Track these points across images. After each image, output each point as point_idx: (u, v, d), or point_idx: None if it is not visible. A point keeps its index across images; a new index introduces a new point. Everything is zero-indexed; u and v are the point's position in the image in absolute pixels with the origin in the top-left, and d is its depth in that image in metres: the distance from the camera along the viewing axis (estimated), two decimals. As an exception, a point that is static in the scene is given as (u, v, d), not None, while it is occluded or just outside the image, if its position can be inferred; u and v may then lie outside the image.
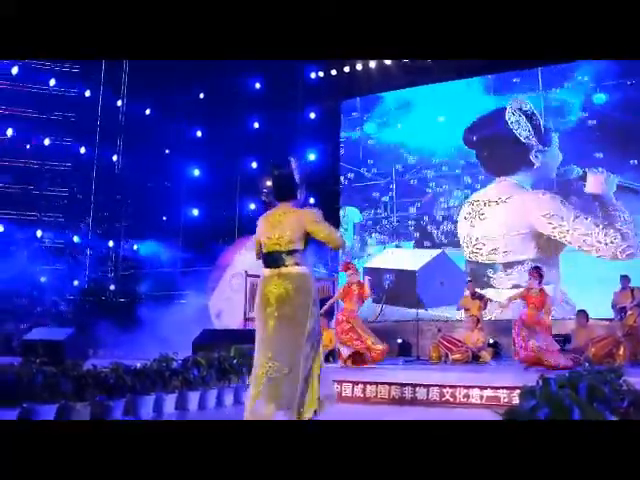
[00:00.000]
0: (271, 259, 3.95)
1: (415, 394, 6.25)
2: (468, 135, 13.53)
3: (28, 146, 16.02)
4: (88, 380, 4.96)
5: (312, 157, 15.00)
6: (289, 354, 3.75)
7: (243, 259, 12.39)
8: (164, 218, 16.79)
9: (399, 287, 13.57)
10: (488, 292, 12.09)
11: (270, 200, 4.13)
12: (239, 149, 15.27)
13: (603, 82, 12.41)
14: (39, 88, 16.35)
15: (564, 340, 10.34)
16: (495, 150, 13.24)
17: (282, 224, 3.93)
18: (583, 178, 12.17)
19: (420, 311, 11.85)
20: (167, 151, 16.66)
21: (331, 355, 9.77)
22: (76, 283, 16.60)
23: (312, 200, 11.18)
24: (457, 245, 13.41)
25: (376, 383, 6.49)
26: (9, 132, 15.69)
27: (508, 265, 12.51)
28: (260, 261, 4.10)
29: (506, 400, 5.77)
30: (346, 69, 14.99)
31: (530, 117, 12.81)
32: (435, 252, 13.60)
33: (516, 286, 11.65)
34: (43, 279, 15.72)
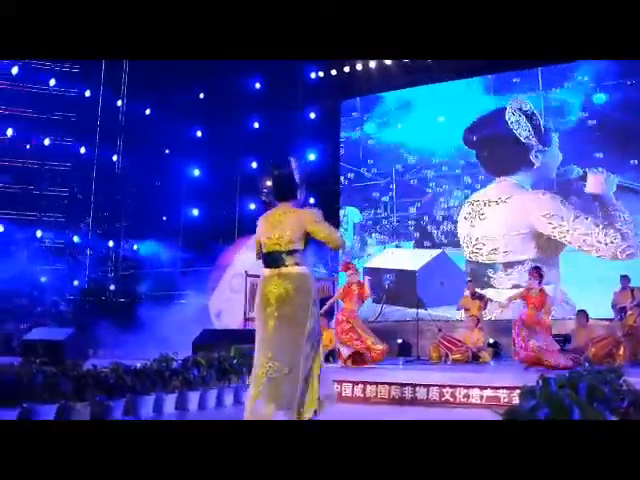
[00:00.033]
0: (271, 259, 3.95)
1: (415, 394, 6.25)
2: (468, 135, 13.52)
3: (28, 146, 16.02)
4: (88, 380, 4.96)
5: (312, 157, 15.00)
6: (289, 354, 3.75)
7: (243, 259, 12.38)
8: (164, 218, 16.79)
9: (399, 287, 13.57)
10: (488, 292, 12.09)
11: (270, 200, 4.13)
12: (239, 149, 15.27)
13: (603, 82, 12.41)
14: (39, 88, 16.36)
15: (564, 340, 10.34)
16: (495, 150, 13.24)
17: (282, 224, 3.93)
18: (583, 178, 12.17)
19: (420, 311, 11.85)
20: (167, 151, 16.66)
21: (331, 355, 9.77)
22: (76, 283, 16.60)
23: (312, 200, 11.18)
24: (457, 245, 13.41)
25: (376, 383, 6.49)
26: (9, 132, 15.69)
27: (508, 265, 12.51)
28: (260, 261, 4.10)
29: (506, 400, 5.77)
30: (346, 69, 14.98)
31: (530, 117, 12.80)
32: (435, 252, 13.61)
33: (516, 286, 11.65)
34: (43, 279, 15.73)
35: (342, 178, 15.16)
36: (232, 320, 11.92)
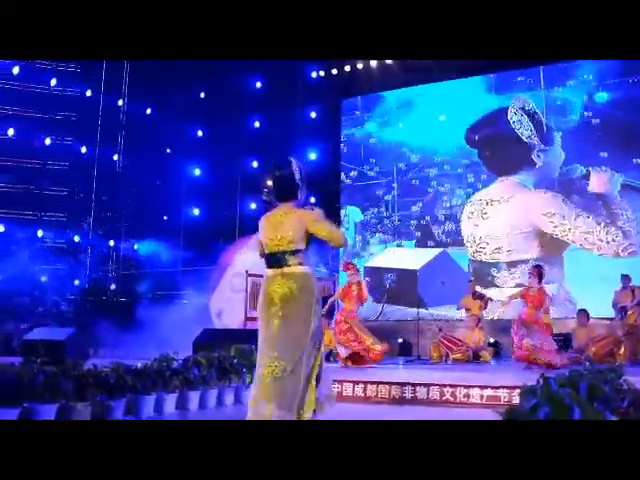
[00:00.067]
0: (274, 259, 3.96)
1: (415, 393, 6.26)
2: (470, 134, 13.52)
3: (29, 146, 16.02)
4: (89, 380, 4.96)
5: (313, 156, 15.00)
6: (293, 353, 3.75)
7: (244, 259, 12.37)
8: (165, 218, 16.81)
9: (400, 286, 13.58)
10: (492, 291, 12.10)
11: (271, 199, 4.13)
12: (240, 148, 15.26)
13: (605, 80, 12.39)
14: (40, 88, 16.37)
15: (564, 339, 10.35)
16: (497, 150, 13.23)
17: (283, 225, 3.93)
18: (586, 177, 12.15)
19: (421, 310, 11.85)
20: (168, 150, 16.68)
21: (331, 355, 9.77)
22: (77, 283, 16.61)
23: (313, 199, 11.17)
24: (459, 244, 13.40)
25: (376, 383, 6.50)
26: (10, 132, 15.71)
27: (512, 264, 12.50)
28: (262, 260, 4.11)
29: (506, 399, 5.78)
30: (347, 68, 14.98)
31: (532, 116, 12.80)
32: (436, 251, 13.60)
33: (520, 285, 11.63)
34: (44, 279, 15.75)
35: (343, 177, 15.16)
36: (233, 320, 11.91)
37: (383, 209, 14.57)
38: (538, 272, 8.97)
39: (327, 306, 9.50)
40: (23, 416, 4.39)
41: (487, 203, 13.05)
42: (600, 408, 2.71)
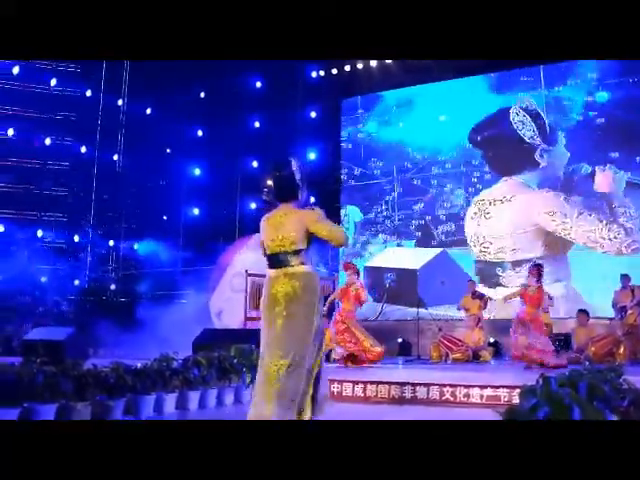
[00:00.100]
0: (276, 260, 3.97)
1: (415, 393, 6.26)
2: (473, 135, 13.51)
3: (29, 146, 16.01)
4: (88, 380, 4.96)
5: (313, 156, 15.00)
6: (297, 352, 3.77)
7: (244, 258, 12.38)
8: (164, 217, 16.81)
9: (400, 286, 13.58)
10: (498, 290, 12.11)
11: (271, 199, 4.13)
12: (240, 148, 15.26)
13: (606, 80, 12.39)
14: (40, 88, 16.36)
15: (564, 339, 10.36)
16: (501, 150, 13.23)
17: (284, 225, 3.94)
18: (592, 176, 12.15)
19: (421, 310, 11.85)
20: (168, 150, 16.68)
21: (331, 354, 9.76)
22: (77, 283, 16.61)
23: (312, 199, 11.17)
24: (459, 244, 13.40)
25: (376, 382, 6.50)
26: (10, 132, 15.70)
27: (517, 263, 12.46)
28: (262, 260, 4.12)
29: (506, 399, 5.77)
30: (347, 68, 14.98)
31: (535, 117, 12.80)
32: (436, 251, 13.60)
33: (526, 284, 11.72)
34: (44, 279, 15.75)
35: (343, 176, 15.16)
36: (233, 320, 11.91)
37: (383, 209, 14.56)
38: (537, 271, 8.99)
39: (326, 306, 9.51)
40: (23, 416, 4.39)
41: (490, 203, 13.05)
42: (600, 407, 2.71)
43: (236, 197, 15.73)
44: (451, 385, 6.18)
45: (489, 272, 12.74)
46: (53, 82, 16.39)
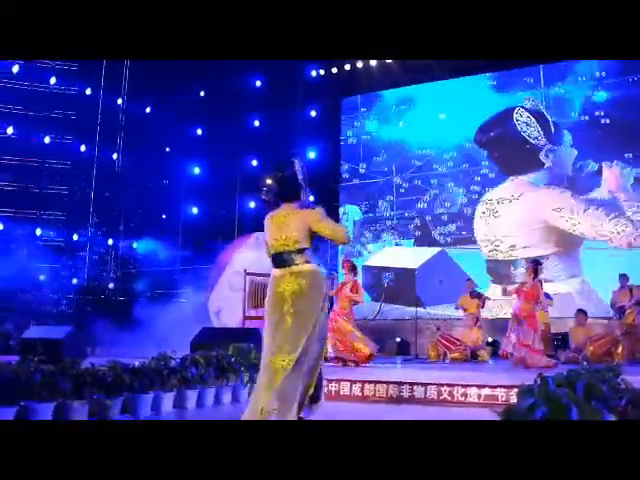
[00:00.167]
0: (280, 259, 4.02)
1: (413, 393, 6.27)
2: (479, 135, 13.50)
3: (28, 144, 16.00)
4: (86, 378, 4.95)
5: (312, 155, 14.99)
6: (305, 348, 3.83)
7: (242, 257, 12.38)
8: (163, 216, 16.80)
9: (398, 285, 13.58)
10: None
11: (269, 198, 4.15)
12: (239, 147, 15.25)
13: (605, 79, 12.40)
14: (39, 86, 16.34)
15: (562, 339, 10.38)
16: (506, 150, 13.22)
17: (288, 225, 4.00)
18: (599, 172, 12.16)
19: (419, 309, 11.85)
20: (167, 149, 16.67)
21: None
22: (75, 281, 16.60)
23: (312, 198, 11.15)
24: (459, 244, 13.41)
25: (374, 382, 6.51)
26: (9, 130, 15.68)
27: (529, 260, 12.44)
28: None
29: (504, 399, 5.78)
30: (347, 67, 14.97)
31: (539, 117, 12.81)
32: (434, 250, 13.61)
33: (544, 280, 11.76)
34: (42, 277, 15.73)
35: (343, 175, 15.16)
36: (231, 319, 11.90)
37: (382, 208, 14.57)
38: (534, 268, 9.01)
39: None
40: (20, 415, 4.39)
41: (498, 202, 13.05)
42: (598, 407, 2.71)
43: (235, 196, 15.72)
44: (449, 385, 6.19)
45: (501, 271, 12.71)
46: (52, 80, 16.37)
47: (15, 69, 15.66)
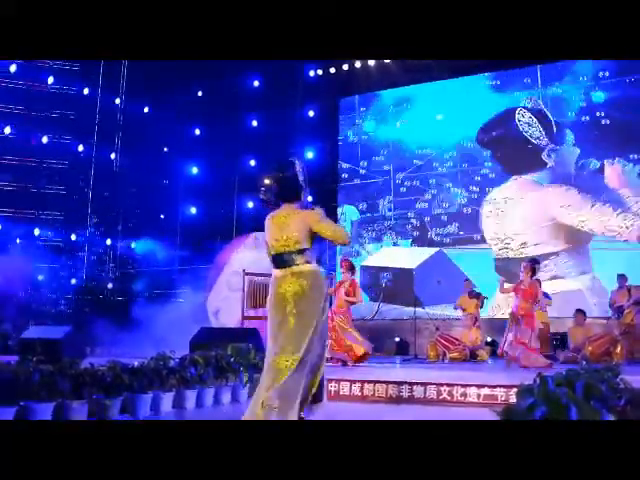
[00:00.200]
0: (281, 260, 4.03)
1: (412, 392, 6.27)
2: (481, 135, 13.50)
3: (26, 144, 15.97)
4: (85, 378, 4.95)
5: (311, 155, 14.98)
6: (308, 348, 3.85)
7: (241, 257, 12.38)
8: (162, 216, 16.78)
9: (396, 285, 13.59)
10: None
11: (268, 198, 4.16)
12: (237, 147, 15.24)
13: (603, 80, 12.40)
14: (38, 86, 16.32)
15: (561, 338, 10.39)
16: (509, 150, 13.22)
17: (288, 226, 4.00)
18: (601, 170, 12.16)
19: (417, 309, 11.85)
20: (165, 149, 16.65)
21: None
22: (74, 281, 16.58)
23: (310, 198, 11.16)
24: (458, 244, 13.41)
25: (374, 381, 6.51)
26: (7, 130, 15.66)
27: (541, 257, 12.43)
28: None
29: (503, 399, 5.78)
30: (345, 67, 14.97)
31: (541, 117, 12.81)
32: (432, 250, 13.61)
33: (555, 277, 11.88)
34: (41, 277, 15.72)
35: (341, 176, 15.16)
36: (230, 318, 11.90)
37: (380, 208, 14.57)
38: (531, 267, 9.01)
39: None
40: (19, 415, 4.39)
41: (505, 201, 13.05)
42: (597, 407, 2.72)
43: (234, 196, 15.71)
44: (448, 384, 6.19)
45: (512, 269, 12.67)
46: (50, 80, 16.35)
47: (13, 68, 15.62)
